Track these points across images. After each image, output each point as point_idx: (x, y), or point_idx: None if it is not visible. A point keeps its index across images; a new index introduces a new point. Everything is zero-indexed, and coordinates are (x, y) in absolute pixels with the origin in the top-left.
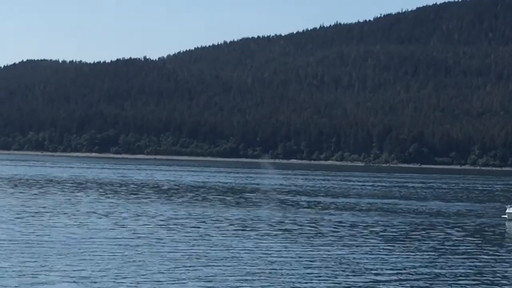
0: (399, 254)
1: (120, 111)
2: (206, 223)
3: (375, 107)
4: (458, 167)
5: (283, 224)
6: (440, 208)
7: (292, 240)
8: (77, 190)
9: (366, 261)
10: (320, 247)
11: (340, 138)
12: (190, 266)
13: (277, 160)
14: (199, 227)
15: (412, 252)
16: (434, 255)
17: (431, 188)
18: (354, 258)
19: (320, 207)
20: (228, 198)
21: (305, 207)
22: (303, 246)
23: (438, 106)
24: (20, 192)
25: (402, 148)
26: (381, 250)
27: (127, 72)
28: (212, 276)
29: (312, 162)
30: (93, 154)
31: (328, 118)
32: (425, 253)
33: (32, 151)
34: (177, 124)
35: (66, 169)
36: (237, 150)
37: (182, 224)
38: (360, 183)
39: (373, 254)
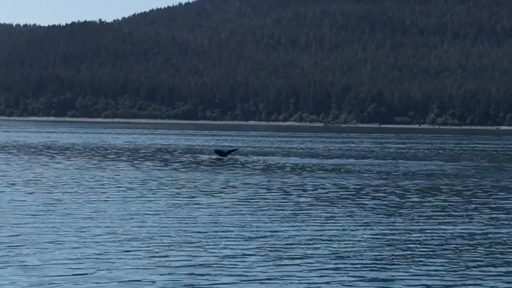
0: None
1: (76, 73)
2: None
3: (333, 66)
4: (417, 126)
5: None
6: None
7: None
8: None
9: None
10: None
11: (299, 99)
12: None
13: (235, 122)
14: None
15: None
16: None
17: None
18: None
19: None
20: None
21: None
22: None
23: (396, 65)
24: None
25: (361, 108)
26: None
27: (82, 34)
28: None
29: (271, 123)
30: (51, 118)
31: (286, 78)
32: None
33: None
34: (134, 86)
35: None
36: (195, 112)
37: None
38: (354, 145)
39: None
